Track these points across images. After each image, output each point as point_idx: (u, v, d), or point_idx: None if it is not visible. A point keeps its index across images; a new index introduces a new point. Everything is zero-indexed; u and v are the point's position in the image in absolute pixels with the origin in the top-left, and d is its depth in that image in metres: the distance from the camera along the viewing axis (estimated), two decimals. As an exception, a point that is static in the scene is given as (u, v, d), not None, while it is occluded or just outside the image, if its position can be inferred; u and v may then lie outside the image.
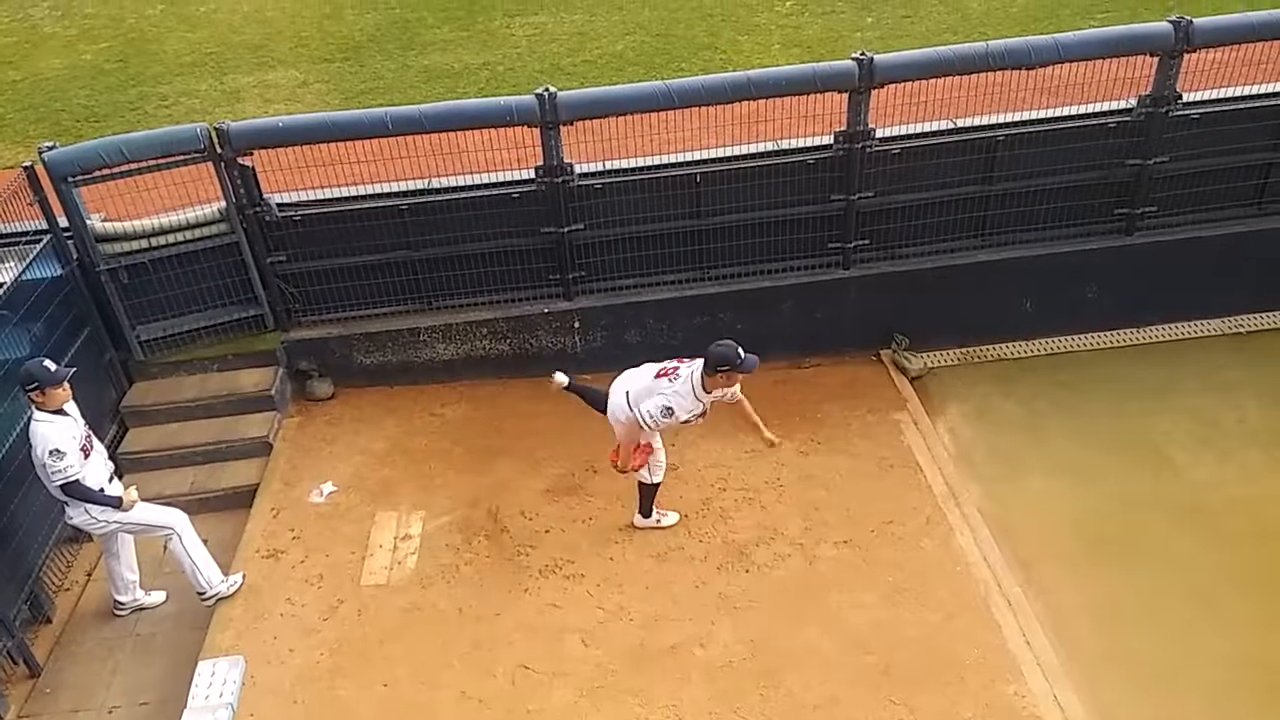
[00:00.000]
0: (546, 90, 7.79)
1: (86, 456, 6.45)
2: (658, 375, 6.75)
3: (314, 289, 8.62)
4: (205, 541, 7.00)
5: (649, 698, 6.28)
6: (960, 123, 8.49)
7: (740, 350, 6.46)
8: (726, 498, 7.67)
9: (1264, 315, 9.32)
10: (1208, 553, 7.18)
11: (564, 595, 6.97)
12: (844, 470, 7.88)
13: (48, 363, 6.35)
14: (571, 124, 7.93)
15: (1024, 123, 8.47)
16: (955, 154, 8.46)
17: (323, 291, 8.63)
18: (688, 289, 8.79)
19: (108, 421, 8.22)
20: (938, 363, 9.06)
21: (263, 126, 8.10)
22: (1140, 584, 7.01)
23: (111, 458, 7.00)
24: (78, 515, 6.55)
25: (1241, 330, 9.26)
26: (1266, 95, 8.62)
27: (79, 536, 7.54)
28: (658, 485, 7.23)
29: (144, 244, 8.14)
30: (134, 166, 7.77)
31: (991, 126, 8.45)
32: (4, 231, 7.60)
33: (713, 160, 8.35)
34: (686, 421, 6.74)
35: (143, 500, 6.73)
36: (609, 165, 8.23)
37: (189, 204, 8.11)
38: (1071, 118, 8.53)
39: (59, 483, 6.33)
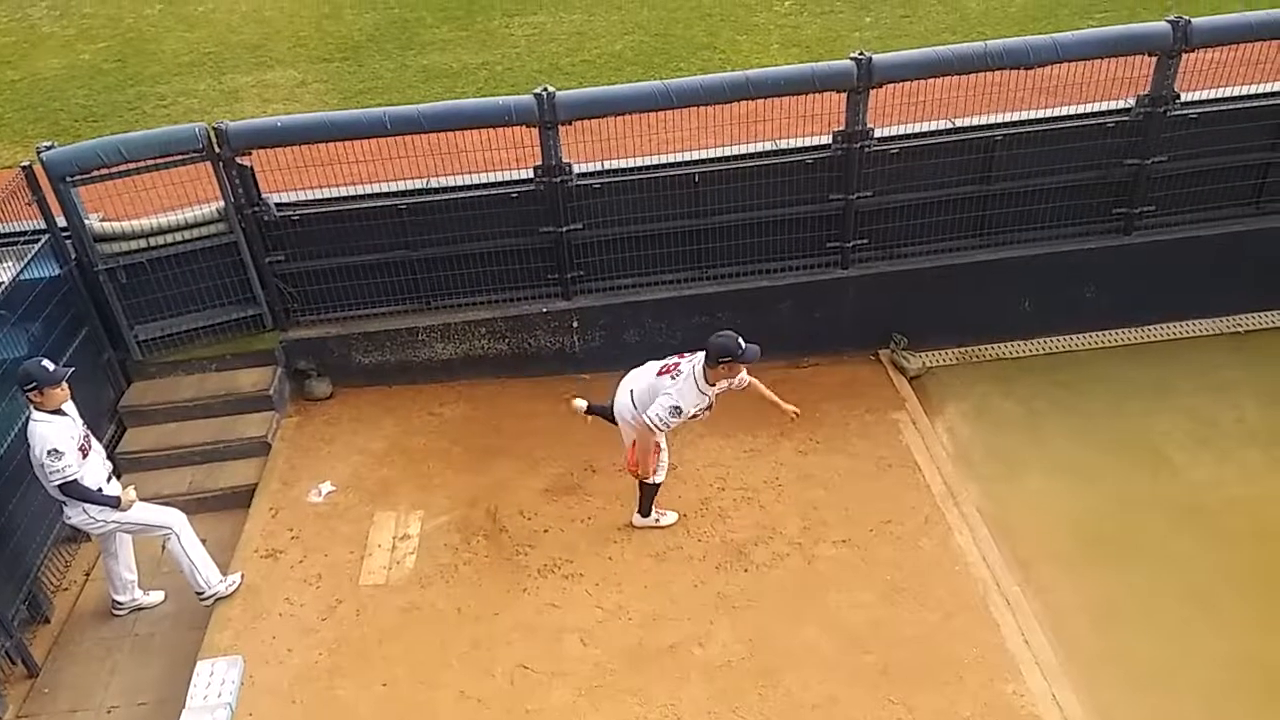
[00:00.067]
0: (545, 90, 7.79)
1: (85, 456, 6.44)
2: (660, 373, 6.75)
3: (312, 289, 8.62)
4: (204, 541, 6.99)
5: (647, 697, 6.28)
6: (959, 122, 8.50)
7: (741, 340, 6.46)
8: (725, 497, 7.67)
9: (1262, 315, 9.33)
10: (1206, 553, 7.19)
11: (563, 595, 6.97)
12: (842, 470, 7.88)
13: (46, 362, 6.35)
14: (570, 124, 7.93)
15: (1022, 122, 8.47)
16: (954, 154, 8.46)
17: (321, 291, 8.63)
18: (686, 288, 8.79)
19: (106, 421, 8.21)
20: (936, 362, 9.06)
21: (261, 126, 8.09)
22: (1139, 584, 7.02)
23: (110, 457, 6.99)
24: (76, 515, 6.55)
25: (1240, 330, 9.27)
26: (1265, 95, 8.63)
27: (77, 536, 7.54)
28: (659, 485, 7.23)
29: (142, 244, 8.13)
30: (132, 166, 7.77)
31: (990, 126, 8.45)
32: (2, 231, 7.58)
33: (711, 160, 8.36)
34: (694, 416, 6.74)
35: (141, 500, 6.72)
36: (608, 165, 8.23)
37: (187, 204, 8.11)
38: (1070, 117, 8.53)
39: (57, 482, 6.33)
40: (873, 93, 8.06)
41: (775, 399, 7.05)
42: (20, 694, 6.69)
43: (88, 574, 7.52)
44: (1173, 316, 9.28)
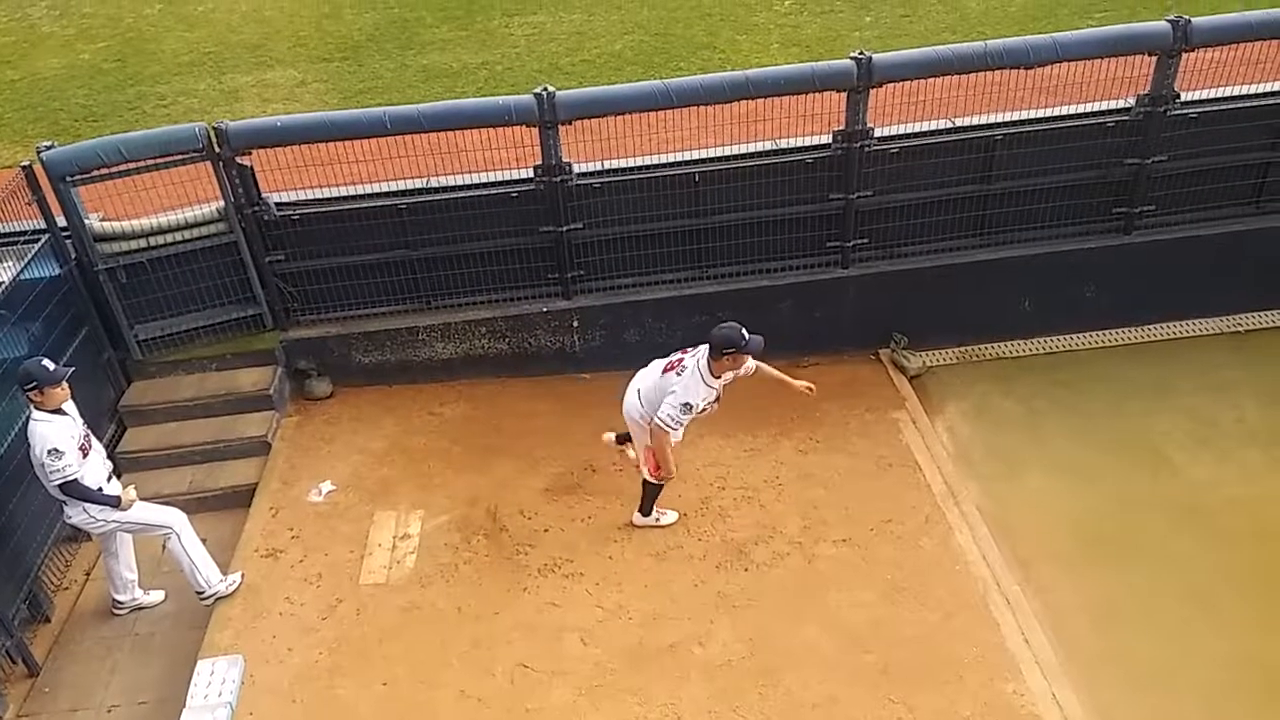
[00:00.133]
0: (545, 89, 7.79)
1: (85, 456, 6.44)
2: (665, 370, 6.76)
3: (312, 288, 8.62)
4: (204, 541, 6.99)
5: (648, 696, 6.28)
6: (959, 122, 8.50)
7: (744, 331, 6.47)
8: (725, 496, 7.67)
9: (1262, 314, 9.33)
10: (1206, 552, 7.19)
11: (563, 594, 6.97)
12: (843, 469, 7.88)
13: (46, 362, 6.35)
14: (570, 123, 7.92)
15: (1022, 122, 8.47)
16: (954, 153, 8.46)
17: (321, 291, 8.63)
18: (686, 288, 8.79)
19: (106, 421, 8.21)
20: (936, 362, 9.06)
21: (261, 126, 8.09)
22: (1138, 583, 7.02)
23: (110, 457, 6.99)
24: (76, 514, 6.55)
25: (1240, 329, 9.27)
26: (1264, 94, 8.63)
27: (78, 536, 7.54)
28: (664, 485, 7.23)
29: (142, 243, 8.13)
30: (132, 166, 7.76)
31: (990, 126, 8.45)
32: (2, 231, 7.58)
33: (711, 159, 8.36)
34: (703, 410, 6.74)
35: (141, 499, 6.72)
36: (607, 164, 8.22)
37: (187, 203, 8.10)
38: (1070, 117, 8.53)
39: (57, 482, 6.33)
40: (873, 92, 8.06)
41: (784, 377, 7.06)
42: (21, 693, 6.69)
43: (88, 573, 7.52)
44: (1173, 316, 9.28)
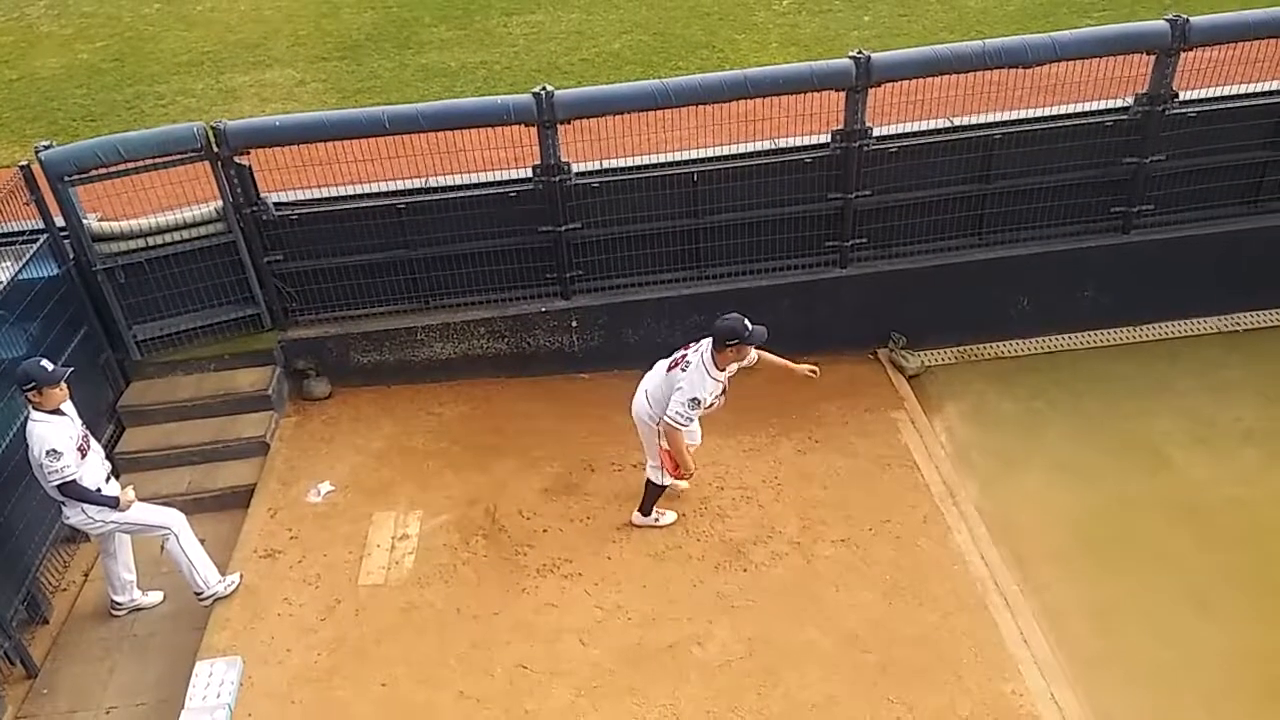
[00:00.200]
0: (544, 89, 7.78)
1: (83, 456, 6.44)
2: (670, 368, 6.77)
3: (311, 288, 8.61)
4: (202, 541, 6.99)
5: (646, 697, 6.28)
6: (957, 121, 8.50)
7: (747, 322, 6.48)
8: (724, 496, 7.67)
9: (1260, 313, 9.33)
10: (1204, 552, 7.19)
11: (562, 594, 6.97)
12: (841, 469, 7.88)
13: (44, 362, 6.34)
14: (569, 123, 7.92)
15: (1021, 121, 8.48)
16: (952, 152, 8.46)
17: (320, 291, 8.62)
18: (685, 288, 8.79)
19: (104, 421, 8.20)
20: (935, 361, 9.07)
21: (259, 125, 8.09)
22: (1137, 583, 7.02)
23: (108, 457, 6.98)
24: (75, 515, 6.54)
25: (1238, 329, 9.27)
26: (1263, 94, 8.64)
27: (76, 536, 7.54)
28: (666, 487, 7.22)
29: (141, 243, 8.12)
30: (130, 166, 7.76)
31: (988, 125, 8.46)
32: (1, 231, 7.58)
33: (710, 159, 8.36)
34: (711, 405, 6.74)
35: (140, 500, 6.72)
36: (606, 164, 8.22)
37: (186, 203, 8.10)
38: (1068, 116, 8.54)
39: (56, 483, 6.32)
40: (871, 91, 8.06)
41: (787, 363, 7.07)
42: (19, 694, 6.69)
43: (86, 574, 7.52)
44: (1171, 315, 9.28)
